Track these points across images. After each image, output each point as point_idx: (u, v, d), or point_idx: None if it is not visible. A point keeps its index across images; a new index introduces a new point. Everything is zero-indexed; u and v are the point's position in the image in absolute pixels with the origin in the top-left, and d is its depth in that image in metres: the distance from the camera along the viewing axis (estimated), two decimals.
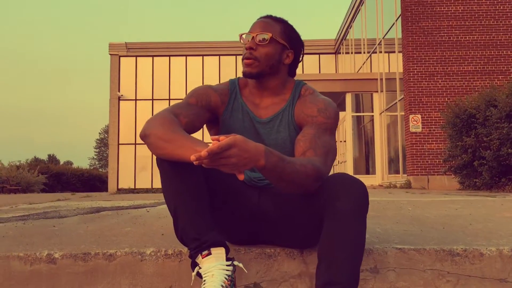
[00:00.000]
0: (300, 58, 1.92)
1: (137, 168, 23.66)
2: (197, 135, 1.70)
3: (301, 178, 1.51)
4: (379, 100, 16.87)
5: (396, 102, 15.21)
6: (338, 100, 18.65)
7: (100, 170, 55.87)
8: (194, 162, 1.32)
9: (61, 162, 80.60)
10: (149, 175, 23.22)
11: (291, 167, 1.48)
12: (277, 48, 1.79)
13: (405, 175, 13.90)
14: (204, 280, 1.52)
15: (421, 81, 13.49)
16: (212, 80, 24.06)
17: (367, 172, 18.26)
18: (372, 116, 17.36)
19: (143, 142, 1.61)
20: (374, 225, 2.34)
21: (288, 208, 1.70)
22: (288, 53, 1.83)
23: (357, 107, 18.91)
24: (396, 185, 13.59)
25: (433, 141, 13.31)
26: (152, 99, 24.07)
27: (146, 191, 18.26)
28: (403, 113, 14.24)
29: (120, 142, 23.73)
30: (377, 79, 16.83)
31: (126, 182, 23.36)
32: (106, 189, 25.07)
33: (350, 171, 17.05)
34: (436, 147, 13.20)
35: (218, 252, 1.56)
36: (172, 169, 1.58)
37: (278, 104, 1.83)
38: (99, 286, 1.81)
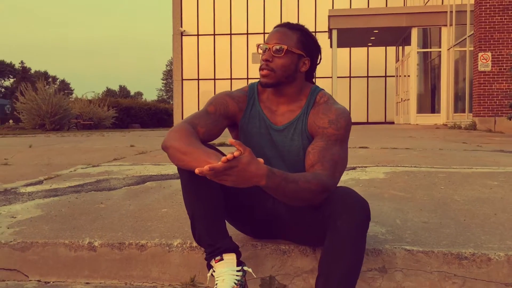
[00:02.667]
0: (318, 62, 1.95)
1: (200, 103, 24.22)
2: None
3: (305, 194, 1.60)
4: (447, 35, 15.99)
5: (466, 38, 14.36)
6: (404, 35, 17.86)
7: (169, 100, 57.52)
8: (197, 173, 1.45)
9: (132, 93, 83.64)
10: None
11: (294, 186, 1.57)
12: (293, 58, 1.83)
13: (471, 114, 13.38)
14: (216, 284, 1.69)
15: (494, 15, 12.59)
16: (274, 21, 23.59)
17: (432, 111, 17.71)
18: (439, 52, 16.55)
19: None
20: (397, 213, 2.40)
21: (299, 214, 1.82)
22: (305, 60, 1.86)
23: (424, 42, 18.04)
24: (460, 125, 13.15)
25: (503, 80, 12.61)
26: (214, 34, 24.10)
27: None
28: (472, 49, 13.48)
29: (183, 78, 24.22)
30: (446, 12, 15.84)
31: None
32: (172, 123, 25.99)
33: (413, 109, 16.60)
34: (506, 87, 12.51)
35: (230, 258, 1.72)
36: (189, 179, 1.72)
37: (294, 111, 1.89)
38: (133, 272, 2.05)
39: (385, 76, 24.92)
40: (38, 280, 2.06)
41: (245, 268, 1.75)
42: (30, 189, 3.10)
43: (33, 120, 17.33)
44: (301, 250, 1.97)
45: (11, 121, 30.42)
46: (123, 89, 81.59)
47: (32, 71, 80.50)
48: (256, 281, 1.96)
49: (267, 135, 1.89)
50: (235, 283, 1.68)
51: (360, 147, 5.66)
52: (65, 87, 79.19)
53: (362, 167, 3.75)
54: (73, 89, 79.13)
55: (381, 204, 2.58)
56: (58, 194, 2.93)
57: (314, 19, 24.11)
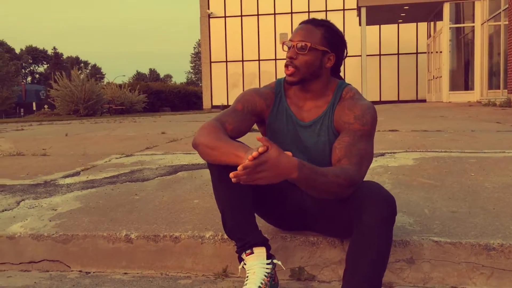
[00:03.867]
0: (344, 56, 1.97)
1: (229, 85, 24.30)
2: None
3: (333, 187, 1.64)
4: (481, 9, 15.52)
5: (500, 12, 13.91)
6: (435, 10, 17.42)
7: (198, 83, 57.78)
8: (233, 180, 1.50)
9: (161, 76, 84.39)
10: (240, 92, 23.82)
11: (324, 178, 1.61)
12: (317, 55, 1.85)
13: (506, 91, 13.04)
14: (247, 276, 1.76)
15: None
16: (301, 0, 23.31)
17: (465, 88, 17.32)
18: (473, 27, 16.10)
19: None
20: (425, 202, 2.42)
21: (326, 207, 1.86)
22: (330, 56, 1.88)
23: (456, 18, 17.56)
24: (495, 102, 12.83)
25: None
26: (241, 15, 24.01)
27: None
28: (507, 22, 13.06)
29: (212, 60, 24.29)
30: None
31: (219, 99, 24.20)
32: (201, 106, 26.20)
33: (445, 87, 16.27)
34: None
35: (260, 252, 1.78)
36: (219, 175, 1.78)
37: (320, 107, 1.92)
38: (168, 263, 2.14)
39: (416, 53, 24.42)
40: (79, 271, 2.18)
41: (275, 261, 1.81)
42: (68, 180, 3.23)
43: (67, 106, 17.77)
44: (330, 242, 2.02)
45: (46, 106, 31.18)
46: (153, 72, 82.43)
47: (65, 57, 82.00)
48: (286, 272, 2.02)
49: (294, 131, 1.93)
50: (265, 276, 1.75)
51: (389, 130, 5.63)
52: (96, 72, 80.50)
53: (391, 153, 3.75)
54: (105, 74, 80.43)
55: (410, 193, 2.60)
56: (94, 185, 3.05)
57: None
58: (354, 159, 1.74)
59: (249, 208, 1.82)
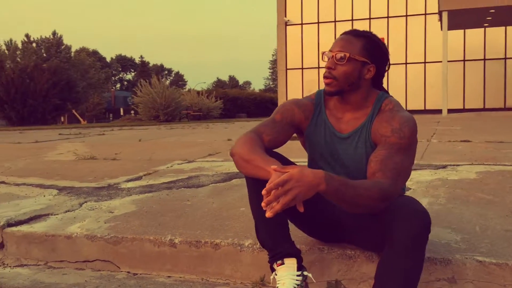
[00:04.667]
0: (386, 68, 1.93)
1: (304, 92, 24.27)
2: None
3: (364, 200, 1.61)
4: None
5: None
6: None
7: (275, 89, 58.33)
8: (267, 214, 1.50)
9: (240, 83, 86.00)
10: None
11: (354, 191, 1.58)
12: (356, 65, 1.83)
13: None
14: (277, 287, 1.77)
15: None
16: (380, 6, 22.87)
17: None
18: None
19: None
20: (478, 219, 2.30)
21: (361, 220, 1.83)
22: (370, 67, 1.85)
23: None
24: None
25: None
26: (318, 22, 23.94)
27: None
28: None
29: (288, 67, 24.40)
30: None
31: None
32: None
33: None
34: None
35: (290, 263, 1.79)
36: (253, 185, 1.81)
37: (359, 118, 1.89)
38: (208, 269, 2.20)
39: (505, 58, 23.03)
40: (127, 272, 2.30)
41: (305, 273, 1.81)
42: (130, 184, 3.41)
43: (148, 112, 18.63)
44: (367, 256, 1.98)
45: (132, 112, 32.83)
46: (232, 79, 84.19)
47: (151, 65, 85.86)
48: (322, 284, 2.01)
49: (332, 143, 1.92)
50: (294, 287, 1.75)
51: (461, 141, 5.38)
52: (179, 79, 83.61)
53: (454, 165, 3.59)
54: (187, 81, 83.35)
55: (464, 208, 2.48)
56: (152, 190, 3.19)
57: (424, 1, 22.93)
58: (389, 173, 1.70)
59: (282, 219, 1.83)
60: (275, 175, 1.52)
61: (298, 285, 1.76)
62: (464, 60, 23.32)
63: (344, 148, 1.90)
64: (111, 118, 50.36)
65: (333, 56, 1.84)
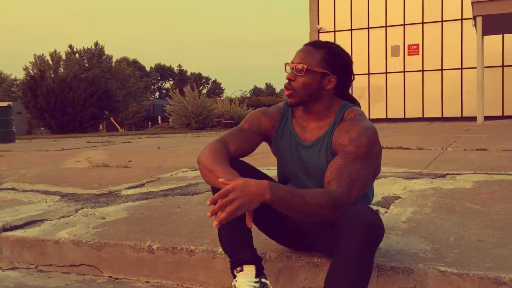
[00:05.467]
0: (352, 78, 1.95)
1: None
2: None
3: (313, 209, 1.62)
4: None
5: None
6: None
7: None
8: (214, 223, 1.55)
9: (277, 90, 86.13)
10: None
11: (300, 200, 1.59)
12: (315, 76, 1.85)
13: None
14: None
15: None
16: (415, 11, 22.54)
17: None
18: None
19: None
20: (456, 229, 2.27)
21: (322, 230, 1.85)
22: (330, 78, 1.87)
23: None
24: None
25: None
26: (351, 29, 23.80)
27: None
28: None
29: None
30: None
31: None
32: None
33: None
34: None
35: (249, 270, 1.82)
36: (215, 192, 1.86)
37: (322, 128, 1.92)
38: (184, 275, 2.25)
39: None
40: (109, 276, 2.38)
41: (263, 280, 1.83)
42: (129, 191, 3.51)
43: (180, 120, 18.94)
44: None
45: (170, 120, 33.43)
46: (269, 86, 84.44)
47: (188, 73, 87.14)
48: None
49: (296, 152, 1.95)
50: None
51: (477, 149, 5.25)
52: (216, 87, 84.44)
53: (453, 174, 3.52)
54: (224, 89, 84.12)
55: (446, 218, 2.45)
56: (149, 197, 3.28)
57: (460, 7, 22.43)
58: (344, 182, 1.71)
59: (242, 226, 1.85)
60: (224, 186, 1.57)
61: None
62: (503, 66, 22.63)
63: (307, 157, 1.93)
64: (149, 126, 51.39)
65: (293, 67, 1.87)
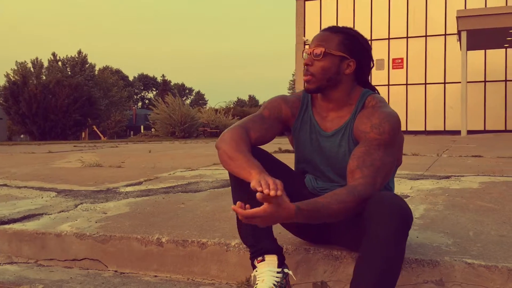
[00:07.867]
0: (372, 65, 1.90)
1: None
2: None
3: (342, 213, 1.58)
4: None
5: None
6: None
7: None
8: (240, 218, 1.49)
9: (260, 102, 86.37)
10: None
11: (327, 211, 1.54)
12: (334, 60, 1.80)
13: None
14: (256, 284, 1.73)
15: None
16: (399, 26, 22.87)
17: None
18: None
19: None
20: (474, 225, 2.23)
21: (347, 222, 1.78)
22: (349, 62, 1.82)
23: None
24: None
25: None
26: None
27: None
28: None
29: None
30: None
31: None
32: None
33: None
34: None
35: (271, 259, 1.75)
36: (236, 180, 1.79)
37: (343, 117, 1.86)
38: (195, 269, 2.16)
39: None
40: (115, 271, 2.27)
41: (286, 270, 1.76)
42: (128, 189, 3.41)
43: (165, 128, 18.76)
44: (354, 257, 1.92)
45: (153, 129, 33.16)
46: (252, 98, 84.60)
47: (172, 84, 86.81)
48: (308, 286, 1.95)
49: (316, 141, 1.89)
50: (274, 284, 1.71)
51: (472, 156, 5.27)
52: (200, 98, 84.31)
53: (458, 176, 3.50)
54: (207, 100, 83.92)
55: (461, 215, 2.41)
56: (150, 194, 3.18)
57: (444, 22, 22.83)
58: (367, 171, 1.66)
59: None
60: (255, 182, 1.48)
61: (278, 282, 1.72)
62: (485, 81, 23.03)
63: (328, 146, 1.87)
64: (131, 135, 50.92)
65: (310, 52, 1.82)
